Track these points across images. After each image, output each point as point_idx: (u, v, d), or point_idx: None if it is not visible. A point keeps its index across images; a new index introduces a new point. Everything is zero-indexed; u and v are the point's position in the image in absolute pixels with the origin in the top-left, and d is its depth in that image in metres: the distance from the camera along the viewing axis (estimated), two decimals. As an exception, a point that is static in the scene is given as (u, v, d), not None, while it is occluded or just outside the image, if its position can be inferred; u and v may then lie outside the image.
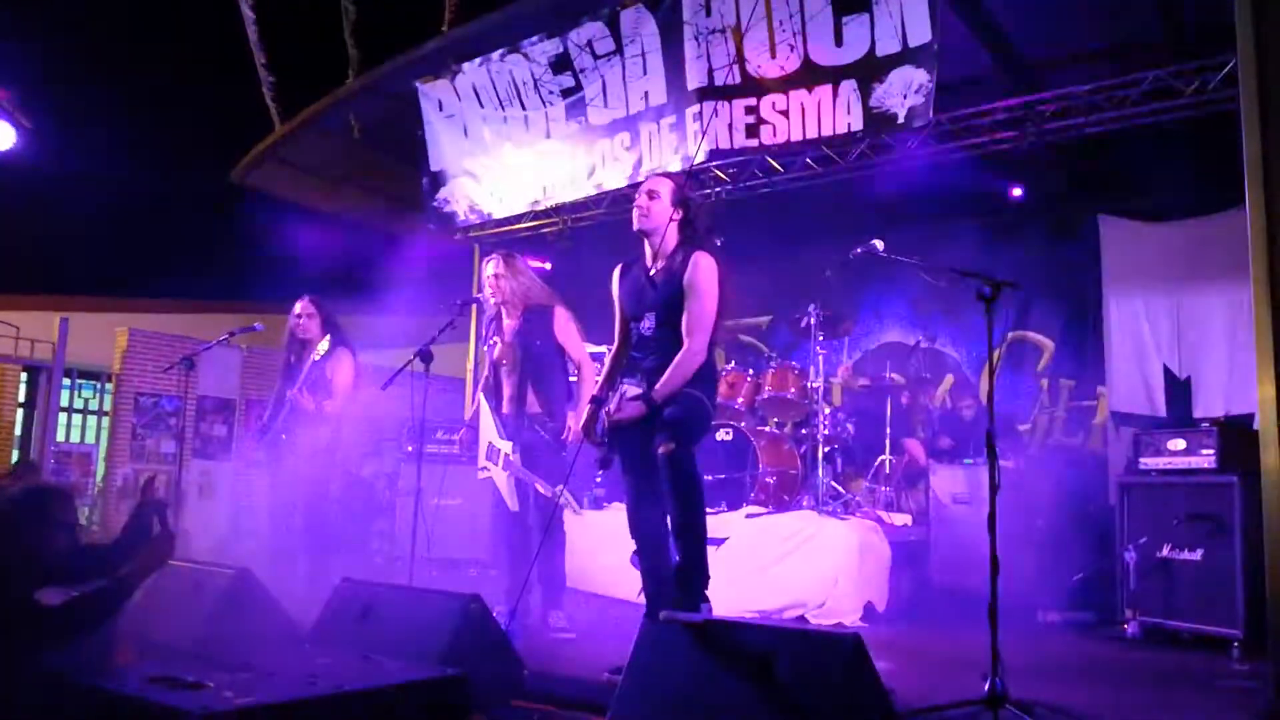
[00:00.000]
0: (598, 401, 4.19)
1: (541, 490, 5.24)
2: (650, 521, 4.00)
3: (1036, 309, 8.37)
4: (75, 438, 11.93)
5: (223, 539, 9.59)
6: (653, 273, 4.18)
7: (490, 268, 5.54)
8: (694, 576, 3.81)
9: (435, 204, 8.99)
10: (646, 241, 4.25)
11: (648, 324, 4.11)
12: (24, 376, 11.44)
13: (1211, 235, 7.20)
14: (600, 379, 4.41)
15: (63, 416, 11.33)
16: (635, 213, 4.21)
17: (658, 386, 3.89)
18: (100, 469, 11.07)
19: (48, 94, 9.91)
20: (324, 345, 5.98)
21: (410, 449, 8.82)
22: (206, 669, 2.89)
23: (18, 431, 11.43)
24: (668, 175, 4.44)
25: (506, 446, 5.36)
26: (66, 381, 11.16)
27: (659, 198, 4.17)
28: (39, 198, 11.90)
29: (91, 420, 12.37)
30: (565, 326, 5.45)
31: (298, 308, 6.29)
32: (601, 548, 6.79)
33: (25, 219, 12.25)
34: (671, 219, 4.14)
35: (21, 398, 11.57)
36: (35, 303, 12.11)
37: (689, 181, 4.60)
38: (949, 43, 6.11)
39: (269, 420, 6.21)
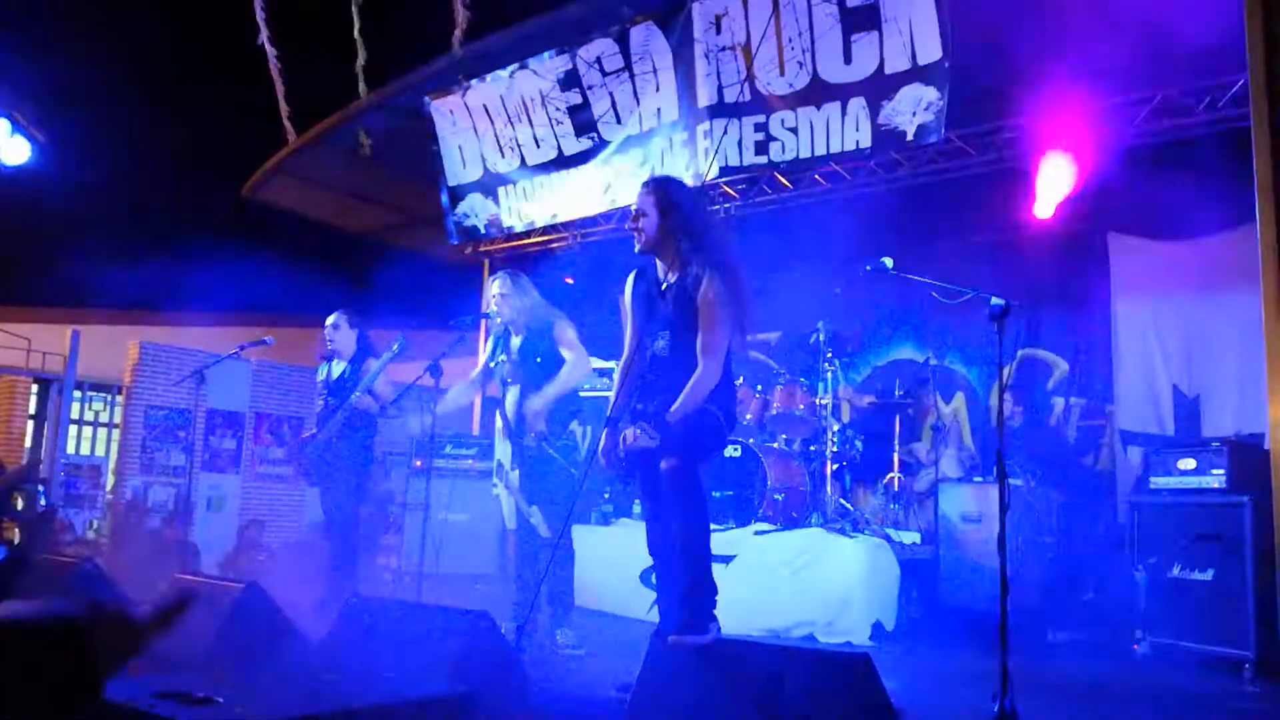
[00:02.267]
0: (613, 424, 4.04)
1: (521, 509, 5.28)
2: (667, 539, 3.95)
3: (1047, 327, 8.35)
4: (85, 450, 11.97)
5: (231, 552, 9.61)
6: (664, 287, 4.04)
7: (495, 286, 5.56)
8: (700, 595, 3.75)
9: (457, 218, 9.02)
10: (655, 255, 4.12)
11: (662, 344, 3.97)
12: (34, 388, 11.49)
13: (1221, 253, 7.18)
14: (613, 395, 4.28)
15: (73, 429, 11.37)
16: (634, 238, 4.08)
17: (673, 409, 3.77)
18: (110, 481, 11.11)
19: (62, 109, 9.97)
20: (396, 345, 5.95)
21: (419, 464, 8.83)
22: (215, 684, 2.90)
23: (28, 443, 11.48)
24: (650, 183, 4.16)
25: (509, 464, 5.39)
26: (77, 394, 11.20)
27: (647, 214, 4.01)
28: (52, 211, 11.97)
29: (102, 432, 12.41)
30: (563, 334, 5.46)
31: (330, 320, 6.39)
32: (610, 565, 6.79)
33: (38, 232, 12.33)
34: (664, 230, 3.98)
35: (32, 409, 11.62)
36: (47, 315, 12.18)
37: (675, 182, 4.31)
38: (958, 59, 6.13)
39: (317, 432, 6.25)
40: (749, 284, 3.99)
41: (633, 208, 4.11)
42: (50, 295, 12.86)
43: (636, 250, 4.12)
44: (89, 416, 12.21)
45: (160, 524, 9.65)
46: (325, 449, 6.11)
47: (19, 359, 10.95)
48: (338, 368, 6.35)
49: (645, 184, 4.17)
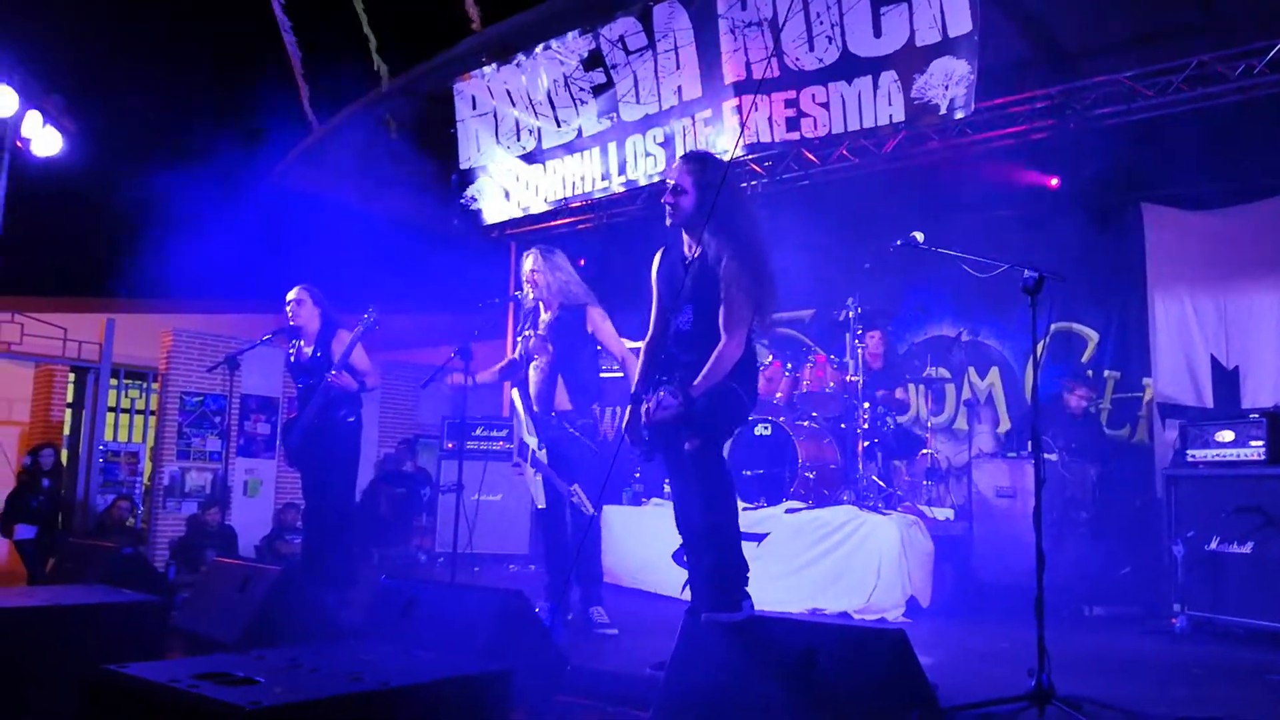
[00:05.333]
0: (637, 399, 4.03)
1: (557, 487, 5.27)
2: (694, 518, 3.94)
3: (1080, 300, 8.23)
4: (122, 437, 12.11)
5: (269, 535, 9.72)
6: (688, 262, 4.01)
7: (529, 262, 5.54)
8: (729, 573, 3.75)
9: (462, 200, 9.08)
10: (684, 230, 4.09)
11: (685, 317, 3.94)
12: (72, 377, 11.63)
13: (1258, 222, 7.07)
14: (637, 371, 4.27)
15: (110, 416, 11.50)
16: (666, 210, 4.05)
17: (695, 383, 3.75)
18: (147, 468, 11.25)
19: (93, 99, 10.05)
20: (369, 316, 5.84)
21: (450, 445, 8.89)
22: (254, 665, 2.92)
23: (66, 431, 11.63)
24: (689, 158, 4.15)
25: (534, 443, 5.39)
26: (113, 381, 11.32)
27: (685, 191, 3.98)
28: (85, 202, 12.08)
29: (138, 419, 12.55)
30: (601, 325, 5.44)
31: (292, 295, 6.12)
32: (642, 543, 6.81)
33: (72, 223, 12.44)
34: (700, 206, 3.95)
35: (70, 398, 11.77)
36: (82, 304, 12.30)
37: (714, 160, 4.27)
38: (988, 30, 6.05)
39: (300, 414, 6.05)
40: (768, 262, 3.95)
41: (670, 182, 4.06)
42: (85, 284, 12.99)
43: (668, 224, 4.10)
44: (125, 404, 12.34)
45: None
46: (307, 431, 5.91)
47: (56, 348, 11.07)
48: (307, 348, 6.07)
49: (685, 158, 4.14)
